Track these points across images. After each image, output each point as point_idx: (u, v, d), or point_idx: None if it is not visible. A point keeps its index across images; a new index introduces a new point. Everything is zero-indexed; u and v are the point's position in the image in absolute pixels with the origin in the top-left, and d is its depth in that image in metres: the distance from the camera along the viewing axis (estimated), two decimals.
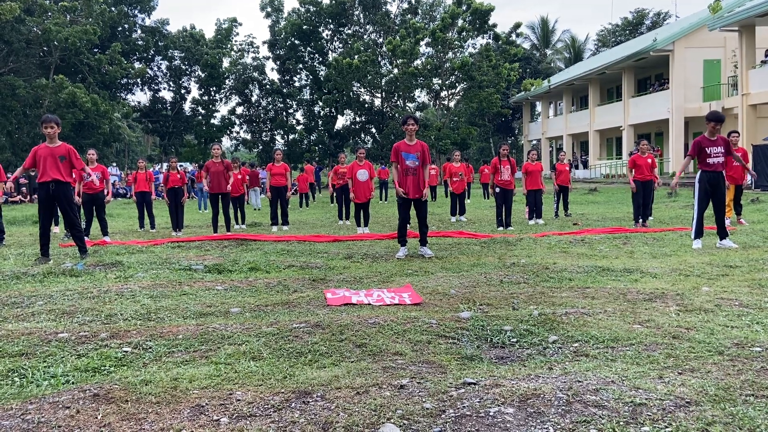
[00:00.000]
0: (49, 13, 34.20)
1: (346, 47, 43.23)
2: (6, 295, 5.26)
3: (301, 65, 45.13)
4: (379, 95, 43.72)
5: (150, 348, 3.55)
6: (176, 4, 78.12)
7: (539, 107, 47.33)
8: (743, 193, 11.28)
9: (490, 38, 39.61)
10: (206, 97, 43.92)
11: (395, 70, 40.14)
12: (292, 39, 43.85)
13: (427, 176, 7.80)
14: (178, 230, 11.97)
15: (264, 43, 45.46)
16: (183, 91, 44.33)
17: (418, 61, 38.89)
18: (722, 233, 7.80)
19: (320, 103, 44.00)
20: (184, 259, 7.36)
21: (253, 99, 46.02)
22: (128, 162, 44.97)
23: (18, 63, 33.61)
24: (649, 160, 11.06)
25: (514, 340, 3.65)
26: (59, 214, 8.66)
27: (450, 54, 39.43)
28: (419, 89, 41.72)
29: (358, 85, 41.90)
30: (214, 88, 43.59)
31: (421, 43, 38.28)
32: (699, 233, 7.78)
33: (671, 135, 28.83)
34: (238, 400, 2.74)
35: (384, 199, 23.17)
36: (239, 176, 13.53)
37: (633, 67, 32.60)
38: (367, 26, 44.82)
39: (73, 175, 8.95)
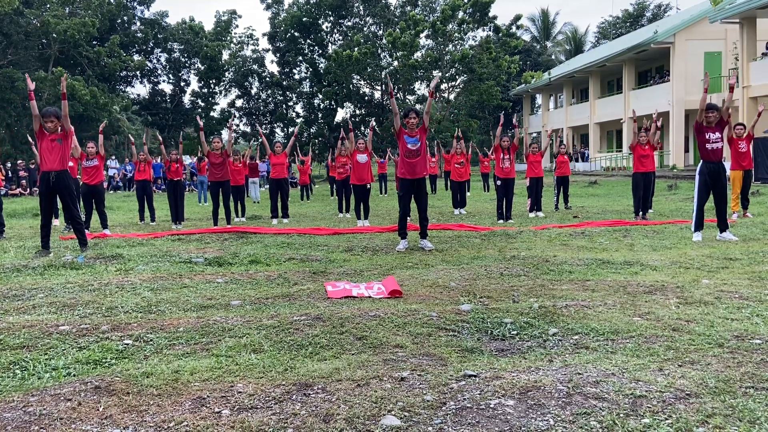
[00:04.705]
0: (48, 6, 34.05)
1: (345, 39, 43.09)
2: (7, 287, 5.27)
3: (300, 57, 44.98)
4: (379, 88, 43.61)
5: (151, 340, 3.55)
6: None
7: (539, 100, 47.23)
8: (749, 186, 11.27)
9: (490, 30, 39.47)
10: (206, 90, 43.78)
11: (395, 63, 40.02)
12: (292, 31, 43.67)
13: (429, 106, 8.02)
14: (178, 223, 11.96)
15: (264, 35, 45.30)
16: (182, 84, 44.19)
17: (418, 54, 38.77)
18: (722, 226, 7.81)
19: (320, 96, 43.89)
20: (184, 252, 7.36)
21: (253, 92, 45.89)
22: (128, 155, 44.88)
23: (17, 55, 33.52)
24: (647, 147, 11.11)
25: (515, 332, 3.65)
26: (59, 206, 8.65)
27: (450, 46, 39.30)
28: (419, 82, 41.59)
29: (358, 77, 41.77)
30: (214, 81, 43.45)
31: (421, 35, 38.12)
32: (699, 226, 7.77)
33: (672, 127, 28.78)
34: (239, 392, 2.74)
35: (384, 193, 23.16)
36: (239, 165, 13.57)
37: (634, 60, 32.51)
38: (367, 18, 44.63)
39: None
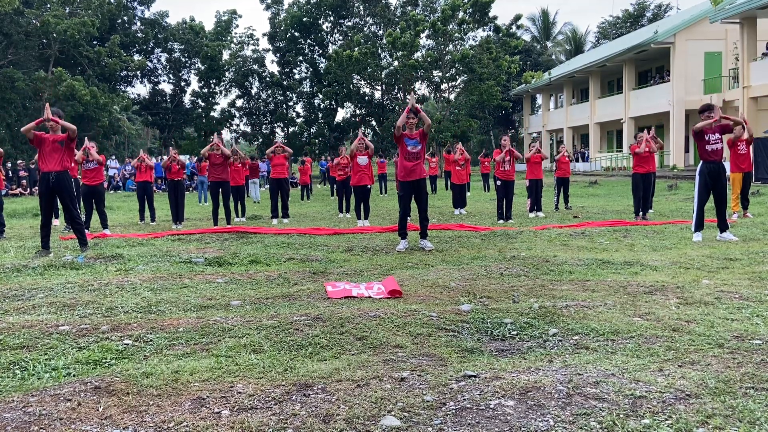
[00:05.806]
0: (48, 5, 34.05)
1: (346, 39, 43.10)
2: (7, 287, 5.27)
3: (301, 57, 44.99)
4: (379, 88, 43.62)
5: (151, 341, 3.55)
6: None
7: (540, 100, 47.23)
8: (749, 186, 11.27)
9: (490, 30, 39.45)
10: (206, 90, 43.77)
11: (395, 63, 40.02)
12: (292, 31, 43.68)
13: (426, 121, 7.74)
14: (178, 223, 11.96)
15: (264, 35, 45.29)
16: (183, 84, 44.20)
17: (419, 54, 38.77)
18: (722, 226, 7.81)
19: (320, 96, 43.89)
20: (184, 252, 7.36)
21: (253, 91, 45.88)
22: (128, 155, 44.89)
23: (17, 55, 33.52)
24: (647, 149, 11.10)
25: (515, 332, 3.65)
26: (59, 206, 8.65)
27: (450, 46, 39.29)
28: (419, 81, 41.58)
29: (358, 77, 41.77)
30: (214, 81, 43.43)
31: (422, 35, 38.12)
32: (699, 226, 7.78)
33: (672, 127, 28.77)
34: (239, 392, 2.74)
35: (384, 193, 23.16)
36: (239, 165, 13.61)
37: (634, 60, 32.50)
38: (368, 18, 44.64)
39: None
